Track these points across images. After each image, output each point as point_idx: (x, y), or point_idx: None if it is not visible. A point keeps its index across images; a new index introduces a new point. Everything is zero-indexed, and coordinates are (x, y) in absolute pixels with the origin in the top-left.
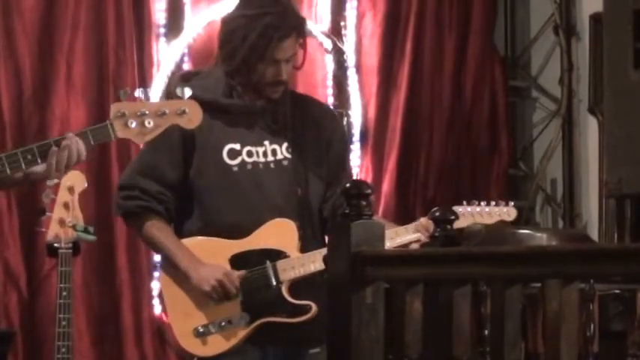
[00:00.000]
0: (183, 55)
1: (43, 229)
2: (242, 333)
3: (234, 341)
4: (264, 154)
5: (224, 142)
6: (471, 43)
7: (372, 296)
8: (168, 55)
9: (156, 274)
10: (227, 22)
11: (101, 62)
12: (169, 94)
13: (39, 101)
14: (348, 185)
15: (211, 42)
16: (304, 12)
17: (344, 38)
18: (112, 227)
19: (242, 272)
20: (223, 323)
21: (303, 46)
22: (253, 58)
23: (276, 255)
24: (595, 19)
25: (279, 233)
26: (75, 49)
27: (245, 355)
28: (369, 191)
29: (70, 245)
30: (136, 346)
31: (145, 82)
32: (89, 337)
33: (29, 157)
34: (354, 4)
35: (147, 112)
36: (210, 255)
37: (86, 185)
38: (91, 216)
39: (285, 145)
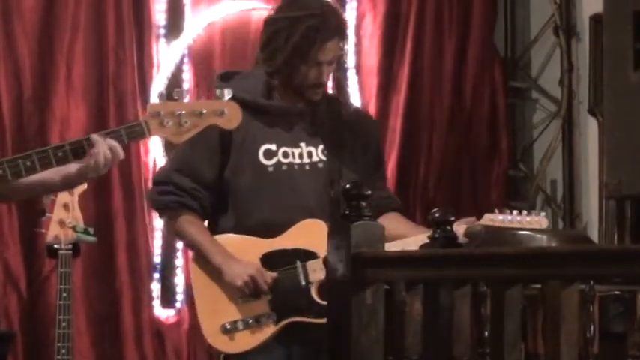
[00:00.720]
0: (183, 56)
1: (43, 230)
2: (269, 331)
3: (260, 339)
4: (300, 155)
5: (260, 143)
6: (470, 44)
7: (372, 297)
8: (168, 56)
9: (156, 275)
10: (270, 23)
11: (101, 63)
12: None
13: (39, 102)
14: (347, 186)
15: (211, 43)
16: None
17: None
18: (112, 228)
19: (274, 274)
20: (251, 321)
21: (343, 49)
22: (296, 59)
23: (306, 255)
24: (595, 19)
25: (310, 234)
26: (75, 50)
27: (270, 353)
28: (369, 192)
29: (70, 246)
30: (135, 347)
31: (144, 83)
32: (89, 338)
33: (60, 154)
34: (354, 5)
35: (183, 112)
36: (242, 253)
37: (86, 186)
38: (91, 217)
39: (320, 147)
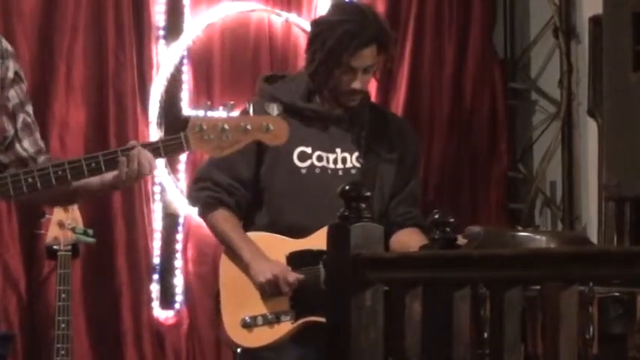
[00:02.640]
0: (182, 58)
1: (43, 232)
2: (286, 328)
3: (278, 335)
4: (335, 161)
5: (296, 145)
6: (470, 45)
7: (371, 298)
8: (167, 58)
9: (155, 276)
10: (313, 25)
11: (101, 65)
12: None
13: (39, 104)
14: (347, 188)
15: (211, 44)
16: (304, 15)
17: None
18: (111, 229)
19: (300, 275)
20: (270, 317)
21: (385, 59)
22: (330, 62)
23: None
24: (594, 21)
25: None
26: (74, 51)
27: (287, 351)
28: (369, 194)
29: (70, 248)
30: (135, 348)
31: (144, 84)
32: (88, 339)
33: (93, 165)
34: None
35: (227, 127)
36: (270, 250)
37: None
38: (90, 218)
39: (355, 154)
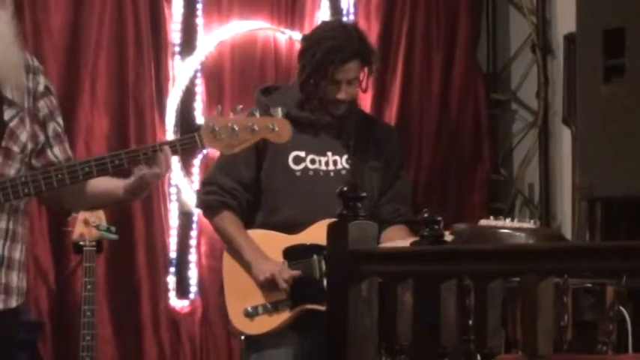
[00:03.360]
0: (196, 72)
1: (70, 229)
2: (285, 317)
3: (277, 323)
4: (326, 163)
5: (291, 149)
6: (456, 60)
7: (367, 289)
8: (182, 72)
9: (172, 269)
10: (303, 40)
11: (122, 78)
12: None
13: (66, 113)
14: (344, 189)
15: (222, 60)
16: (305, 30)
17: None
18: (132, 227)
19: (296, 272)
20: (270, 306)
21: (369, 73)
22: (317, 75)
23: (322, 250)
24: (569, 38)
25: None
26: (98, 66)
27: (286, 338)
28: (364, 194)
29: (94, 243)
30: (153, 335)
31: (161, 96)
32: (111, 327)
33: (116, 161)
34: None
35: (236, 128)
36: (267, 246)
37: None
38: (113, 217)
39: (345, 157)
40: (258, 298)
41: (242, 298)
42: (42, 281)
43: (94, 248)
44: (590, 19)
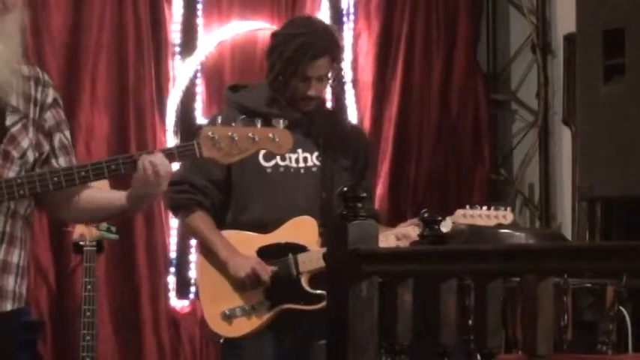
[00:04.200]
0: (196, 72)
1: (70, 229)
2: (264, 318)
3: (256, 324)
4: (297, 160)
5: None
6: (456, 60)
7: (367, 289)
8: (182, 72)
9: (172, 269)
10: (272, 38)
11: (122, 78)
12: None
13: (66, 113)
14: (345, 189)
15: (222, 60)
16: None
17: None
18: (133, 227)
19: (273, 268)
20: (247, 308)
21: (337, 69)
22: (287, 72)
23: (297, 249)
24: (568, 39)
25: (301, 229)
26: (98, 66)
27: (264, 340)
28: (364, 194)
29: (94, 243)
30: (153, 334)
31: (161, 95)
32: (111, 326)
33: (113, 166)
34: (351, 25)
35: (236, 137)
36: (240, 246)
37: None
38: None
39: (315, 154)
40: (235, 300)
41: (218, 301)
42: (42, 281)
43: (95, 248)
44: (590, 19)
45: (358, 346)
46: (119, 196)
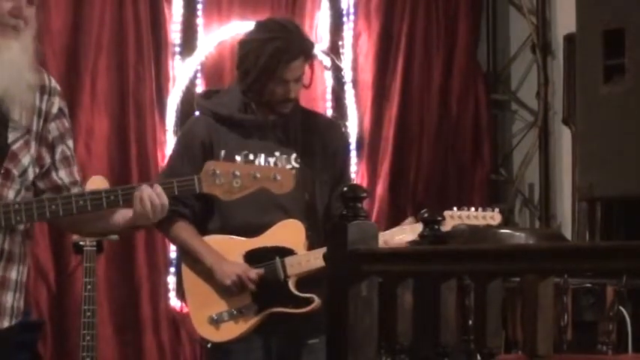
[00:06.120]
0: (196, 72)
1: None
2: (251, 321)
3: (243, 328)
4: (276, 163)
5: (238, 152)
6: (456, 60)
7: (367, 289)
8: (182, 72)
9: (171, 269)
10: (242, 45)
11: (122, 78)
12: (192, 106)
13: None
14: (345, 189)
15: (222, 60)
16: (305, 30)
17: (342, 56)
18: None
19: (260, 270)
20: (235, 312)
21: (311, 67)
22: (264, 77)
23: (284, 252)
24: (568, 39)
25: (288, 232)
26: (98, 66)
27: (252, 343)
28: (364, 195)
29: (95, 244)
30: (153, 335)
31: (161, 96)
32: (111, 326)
33: (112, 197)
34: (351, 25)
35: (238, 174)
36: (227, 251)
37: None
38: None
39: (294, 155)
40: (222, 305)
41: (205, 306)
42: (42, 281)
43: (95, 248)
44: (590, 19)
45: (358, 347)
46: (124, 215)
